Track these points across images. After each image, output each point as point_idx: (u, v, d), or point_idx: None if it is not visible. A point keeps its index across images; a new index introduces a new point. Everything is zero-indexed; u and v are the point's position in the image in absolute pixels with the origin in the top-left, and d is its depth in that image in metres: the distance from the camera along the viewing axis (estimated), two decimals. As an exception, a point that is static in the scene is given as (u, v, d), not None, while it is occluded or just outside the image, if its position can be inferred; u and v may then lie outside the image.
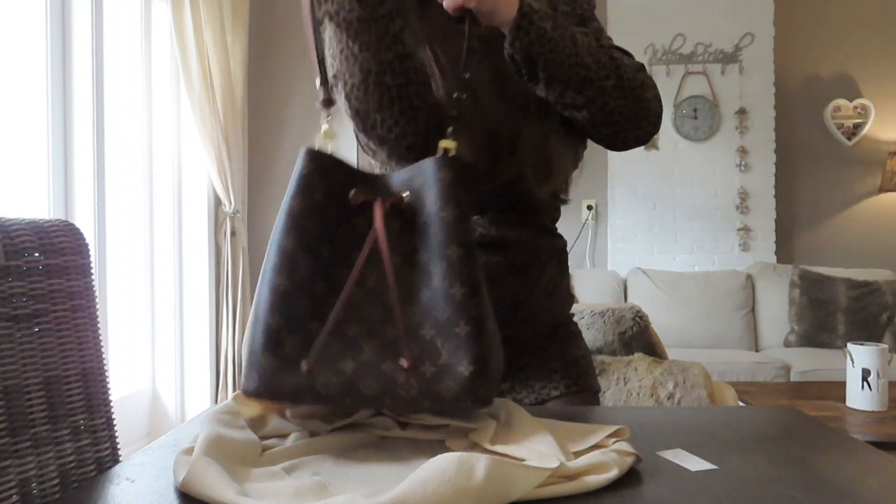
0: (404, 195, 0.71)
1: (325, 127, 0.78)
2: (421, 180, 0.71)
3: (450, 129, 0.75)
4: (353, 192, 0.70)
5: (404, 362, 0.66)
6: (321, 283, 0.69)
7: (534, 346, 0.97)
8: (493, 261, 0.90)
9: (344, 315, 0.67)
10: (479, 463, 0.54)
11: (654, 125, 0.93)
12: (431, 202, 0.69)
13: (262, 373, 0.67)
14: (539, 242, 0.95)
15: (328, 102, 0.82)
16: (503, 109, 0.89)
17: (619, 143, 0.93)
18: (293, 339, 0.67)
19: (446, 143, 0.74)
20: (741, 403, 2.23)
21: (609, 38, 0.94)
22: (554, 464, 0.58)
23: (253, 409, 0.80)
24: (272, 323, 0.67)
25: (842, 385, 2.25)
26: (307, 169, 0.71)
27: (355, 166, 0.74)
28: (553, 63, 0.82)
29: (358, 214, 0.71)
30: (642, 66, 0.92)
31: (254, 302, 0.70)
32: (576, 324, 1.06)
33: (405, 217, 0.71)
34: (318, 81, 0.84)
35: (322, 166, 0.71)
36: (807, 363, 3.41)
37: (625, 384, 1.73)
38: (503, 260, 0.91)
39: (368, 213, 0.70)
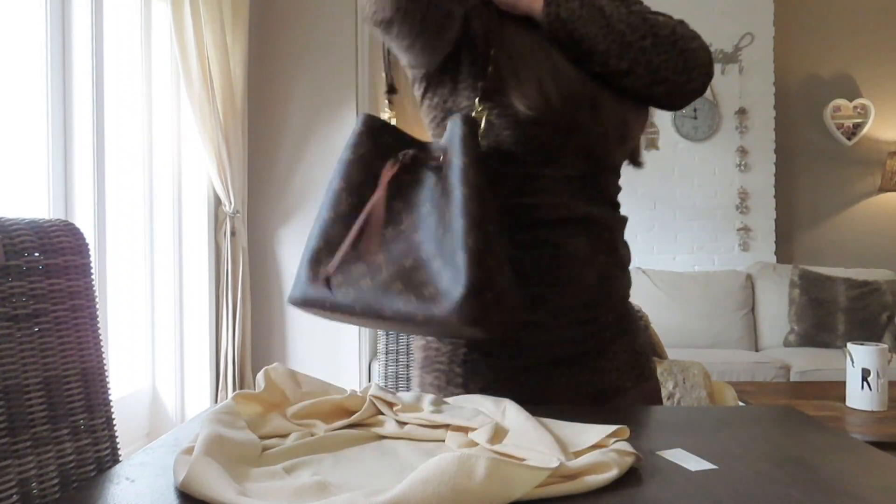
0: (439, 156, 0.84)
1: (386, 115, 0.90)
2: (448, 136, 0.84)
3: (478, 98, 0.88)
4: (402, 153, 0.85)
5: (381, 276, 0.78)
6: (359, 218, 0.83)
7: (612, 331, 0.97)
8: (582, 239, 0.92)
9: (374, 247, 0.81)
10: (479, 463, 0.54)
11: (706, 73, 0.95)
12: (452, 153, 0.82)
13: (300, 283, 0.83)
14: (616, 217, 0.99)
15: (392, 90, 0.95)
16: (581, 75, 0.92)
17: (678, 98, 0.95)
18: (328, 260, 0.82)
19: (478, 112, 0.88)
20: (741, 403, 2.23)
21: (642, 4, 0.97)
22: (554, 464, 0.58)
23: (253, 408, 0.80)
24: (314, 245, 0.83)
25: (842, 385, 2.25)
26: (359, 129, 0.87)
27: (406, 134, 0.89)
28: (589, 37, 0.88)
29: (404, 169, 0.85)
30: (681, 21, 0.95)
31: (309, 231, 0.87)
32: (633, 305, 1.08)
33: (438, 171, 0.84)
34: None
35: (371, 128, 0.87)
36: (807, 363, 3.41)
37: (625, 384, 1.72)
38: (592, 237, 0.93)
39: (410, 168, 0.85)
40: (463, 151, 0.81)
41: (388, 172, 0.83)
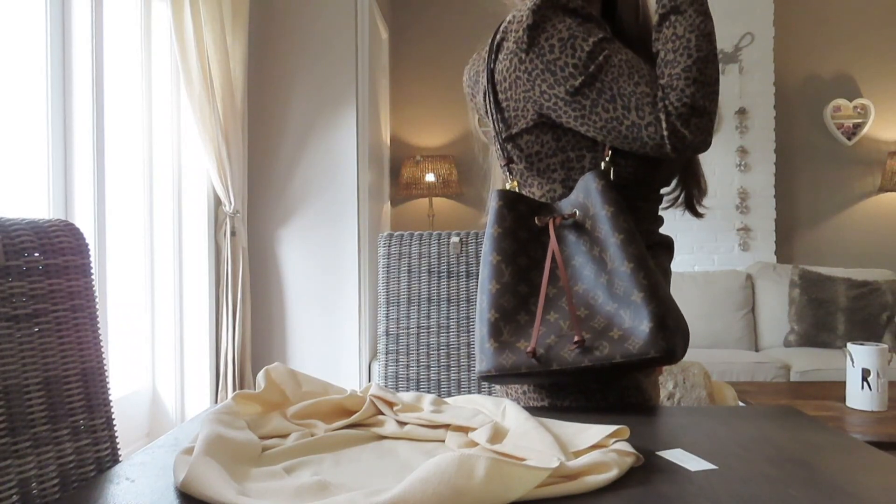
0: (575, 213, 0.93)
1: (509, 184, 1.03)
2: (584, 193, 0.93)
3: (609, 153, 0.95)
4: (537, 217, 0.95)
5: (576, 337, 0.85)
6: (523, 285, 0.93)
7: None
8: (664, 259, 1.01)
9: (545, 307, 0.90)
10: (479, 463, 0.54)
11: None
12: (595, 207, 0.90)
13: (486, 355, 0.90)
14: (672, 242, 1.09)
15: (510, 161, 1.03)
16: None
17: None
18: (509, 328, 0.90)
19: (607, 164, 0.96)
20: (741, 403, 2.23)
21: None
22: (554, 464, 0.58)
23: (253, 408, 0.80)
24: (490, 317, 0.91)
25: (842, 385, 2.25)
26: (497, 204, 0.96)
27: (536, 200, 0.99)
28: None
29: (543, 233, 0.95)
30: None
31: (477, 305, 0.95)
32: None
33: (578, 226, 0.93)
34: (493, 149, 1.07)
35: (508, 201, 0.96)
36: (807, 363, 3.41)
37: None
38: (667, 259, 1.03)
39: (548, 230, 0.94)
40: (607, 203, 0.90)
41: (553, 238, 0.92)
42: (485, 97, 1.03)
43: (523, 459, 0.61)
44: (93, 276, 0.78)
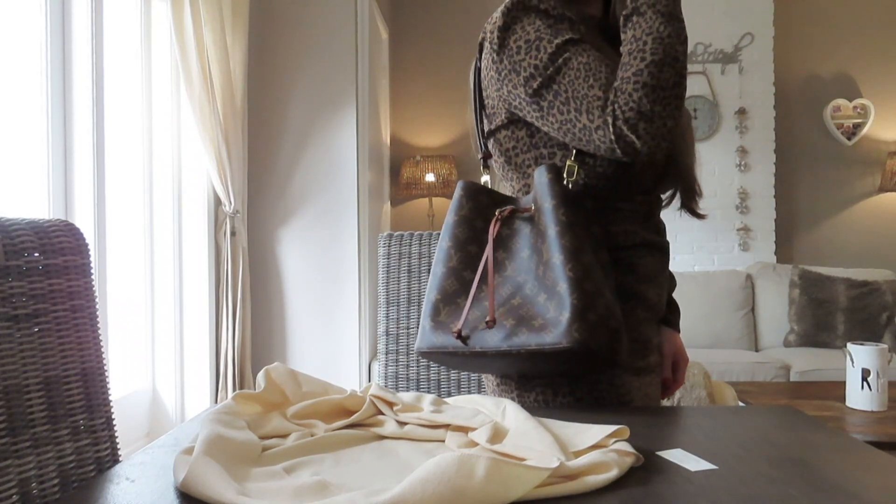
0: (530, 207, 0.94)
1: (484, 178, 1.06)
2: (536, 187, 0.93)
3: (574, 152, 0.96)
4: (498, 210, 0.96)
5: (488, 318, 0.88)
6: (469, 271, 0.95)
7: (653, 358, 1.06)
8: (648, 261, 1.01)
9: (482, 293, 0.92)
10: (479, 463, 0.54)
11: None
12: (541, 199, 0.92)
13: (425, 333, 0.94)
14: (666, 244, 1.09)
15: (488, 155, 1.06)
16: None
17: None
18: (447, 310, 0.94)
19: (571, 162, 0.96)
20: (741, 403, 2.23)
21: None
22: (554, 464, 0.58)
23: (253, 408, 0.80)
24: (433, 297, 0.95)
25: (842, 385, 2.25)
26: (458, 194, 0.99)
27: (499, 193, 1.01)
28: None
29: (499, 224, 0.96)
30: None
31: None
32: None
33: (532, 220, 0.94)
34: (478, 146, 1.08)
35: (469, 192, 0.99)
36: (807, 363, 3.41)
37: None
38: (653, 261, 1.02)
39: (508, 222, 0.96)
40: (551, 195, 0.91)
41: (492, 230, 0.94)
42: (472, 93, 1.06)
43: (523, 459, 0.61)
44: (93, 276, 0.78)
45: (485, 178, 1.06)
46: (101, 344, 0.78)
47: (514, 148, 1.03)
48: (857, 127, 4.30)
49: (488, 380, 1.05)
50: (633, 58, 0.87)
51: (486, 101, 1.04)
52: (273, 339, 3.03)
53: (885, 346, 2.12)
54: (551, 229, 0.89)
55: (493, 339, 0.87)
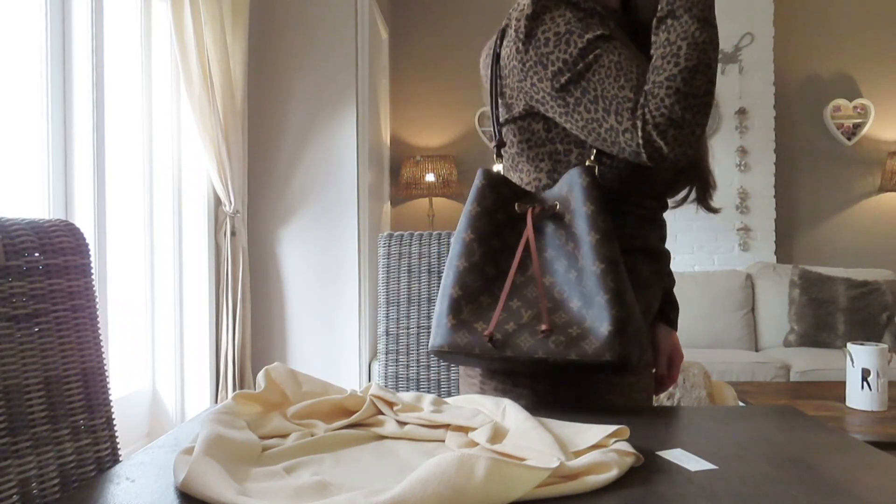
0: (556, 205, 0.92)
1: (497, 167, 1.01)
2: (568, 187, 0.91)
3: (594, 151, 0.95)
4: (517, 204, 0.94)
5: (543, 326, 0.84)
6: (491, 266, 0.92)
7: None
8: (645, 268, 1.00)
9: (509, 293, 0.89)
10: (479, 463, 0.54)
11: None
12: (576, 202, 0.89)
13: (442, 330, 0.89)
14: (667, 251, 1.08)
15: (502, 144, 1.02)
16: None
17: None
18: (469, 307, 0.89)
19: (591, 162, 0.95)
20: (741, 403, 2.23)
21: None
22: (554, 464, 0.58)
23: (253, 408, 0.80)
24: (453, 293, 0.90)
25: (842, 385, 2.24)
26: (481, 183, 0.95)
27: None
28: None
29: (521, 220, 0.94)
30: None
31: (442, 280, 0.94)
32: None
33: (557, 219, 0.91)
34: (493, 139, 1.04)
35: (492, 181, 0.95)
36: (807, 363, 3.41)
37: (625, 384, 1.72)
38: (650, 267, 1.01)
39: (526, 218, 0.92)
40: (589, 200, 0.88)
41: (529, 228, 0.91)
42: (490, 80, 1.02)
43: (523, 459, 0.61)
44: (93, 276, 0.78)
45: (497, 167, 1.02)
46: (101, 344, 0.78)
47: (529, 140, 1.00)
48: (857, 127, 4.30)
49: (471, 374, 1.02)
50: (666, 62, 0.85)
51: (504, 90, 1.01)
52: (273, 339, 3.03)
53: (885, 346, 2.12)
54: (590, 236, 0.86)
55: (525, 345, 0.85)
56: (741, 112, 4.21)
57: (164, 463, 0.66)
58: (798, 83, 4.36)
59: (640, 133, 0.85)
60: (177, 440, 0.75)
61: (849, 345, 2.14)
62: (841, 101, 4.32)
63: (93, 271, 0.78)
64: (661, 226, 1.07)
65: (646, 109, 0.85)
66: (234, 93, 2.63)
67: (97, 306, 0.78)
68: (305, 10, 3.02)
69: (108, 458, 0.75)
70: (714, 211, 1.08)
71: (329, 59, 3.04)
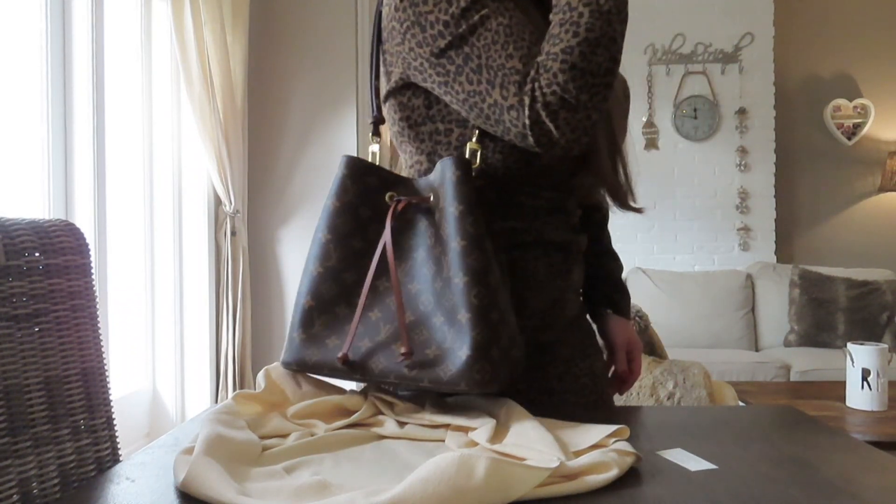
0: (429, 197, 0.79)
1: (373, 148, 0.90)
2: (440, 179, 0.79)
3: (476, 133, 0.82)
4: (388, 194, 0.80)
5: (402, 348, 0.73)
6: (351, 271, 0.79)
7: (563, 350, 0.94)
8: (540, 263, 0.88)
9: (368, 302, 0.77)
10: (479, 463, 0.54)
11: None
12: (445, 200, 0.77)
13: (293, 345, 0.79)
14: (575, 242, 0.93)
15: (380, 121, 0.91)
16: None
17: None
18: (322, 319, 0.78)
19: (473, 145, 0.82)
20: (741, 403, 2.23)
21: None
22: (554, 463, 0.58)
23: (253, 408, 0.80)
24: (305, 304, 0.79)
25: (842, 385, 2.25)
26: (341, 173, 0.81)
27: (392, 171, 0.83)
28: None
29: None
30: None
31: (298, 285, 0.82)
32: (586, 316, 1.04)
33: (429, 214, 0.79)
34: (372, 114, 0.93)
35: (355, 171, 0.81)
36: (807, 363, 3.41)
37: (625, 384, 1.72)
38: (548, 262, 0.89)
39: (400, 215, 0.80)
40: (457, 198, 0.76)
41: (386, 234, 0.78)
42: (371, 44, 0.89)
43: (523, 459, 0.61)
44: (93, 276, 0.78)
45: (373, 148, 0.90)
46: (102, 344, 0.78)
47: (409, 118, 0.87)
48: (857, 127, 4.30)
49: None
50: (564, 31, 0.72)
51: (385, 56, 0.86)
52: (273, 339, 3.03)
53: (885, 346, 2.12)
54: (455, 242, 0.74)
55: (377, 367, 0.75)
56: (741, 112, 4.21)
57: (164, 463, 0.66)
58: (798, 83, 4.36)
59: (526, 111, 0.73)
60: (177, 440, 0.75)
61: (849, 345, 2.15)
62: (841, 101, 4.32)
63: (93, 271, 0.78)
64: (570, 213, 0.93)
65: (536, 84, 0.72)
66: (234, 93, 2.63)
67: (97, 306, 0.78)
68: (305, 11, 3.02)
69: (108, 458, 0.76)
70: (634, 210, 0.93)
71: (329, 59, 3.04)
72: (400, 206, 0.79)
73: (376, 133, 0.91)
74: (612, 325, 1.06)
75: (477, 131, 0.83)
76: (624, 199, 0.91)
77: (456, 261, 0.74)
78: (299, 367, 0.79)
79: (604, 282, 1.09)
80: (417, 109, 0.86)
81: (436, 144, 0.87)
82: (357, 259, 0.79)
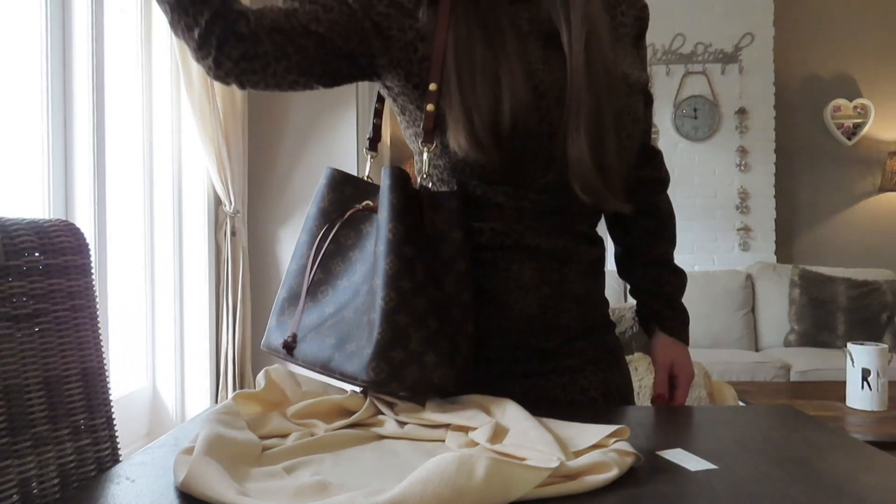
0: (369, 204, 0.86)
1: (370, 161, 0.97)
2: (381, 188, 0.84)
3: (422, 135, 0.87)
4: (364, 203, 0.86)
5: (291, 332, 0.84)
6: (319, 270, 0.86)
7: (569, 360, 0.92)
8: (526, 268, 0.86)
9: (329, 297, 0.84)
10: (479, 463, 0.54)
11: None
12: (379, 206, 0.83)
13: (270, 331, 0.88)
14: (575, 250, 0.90)
15: (376, 137, 0.98)
16: (536, 99, 0.85)
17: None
18: (290, 310, 0.86)
19: (419, 146, 0.89)
20: (741, 403, 2.23)
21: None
22: (554, 463, 0.58)
23: (253, 408, 0.80)
24: (281, 295, 0.88)
25: (842, 385, 2.25)
26: (321, 183, 0.90)
27: (369, 181, 0.90)
28: None
29: (361, 218, 0.87)
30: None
31: None
32: (613, 333, 0.99)
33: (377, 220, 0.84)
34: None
35: (332, 181, 0.89)
36: (807, 363, 3.41)
37: (625, 384, 1.72)
38: (535, 268, 0.87)
39: (366, 218, 0.86)
40: (384, 205, 0.81)
41: (325, 230, 0.86)
42: None
43: (523, 459, 0.61)
44: (93, 276, 0.78)
45: (370, 162, 0.96)
46: (102, 344, 0.78)
47: (401, 123, 0.95)
48: (857, 127, 4.30)
49: None
50: None
51: None
52: (273, 339, 3.03)
53: (885, 346, 2.12)
54: (381, 245, 0.80)
55: (310, 352, 0.82)
56: (741, 112, 4.21)
57: (164, 463, 0.66)
58: (798, 83, 4.36)
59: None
60: (177, 440, 0.75)
61: (849, 345, 2.15)
62: (841, 101, 4.32)
63: (93, 271, 0.78)
64: (569, 218, 0.89)
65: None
66: (234, 93, 2.63)
67: (97, 306, 0.78)
68: (305, 10, 3.02)
69: (108, 457, 0.75)
70: (624, 212, 0.89)
71: (329, 59, 3.03)
72: (347, 214, 0.86)
73: (372, 148, 0.98)
74: (654, 343, 1.02)
75: (423, 131, 0.86)
76: (602, 202, 0.85)
77: (377, 264, 0.80)
78: (269, 351, 0.88)
79: (652, 296, 1.05)
80: (398, 115, 0.94)
81: (412, 144, 0.94)
82: (325, 259, 0.87)
